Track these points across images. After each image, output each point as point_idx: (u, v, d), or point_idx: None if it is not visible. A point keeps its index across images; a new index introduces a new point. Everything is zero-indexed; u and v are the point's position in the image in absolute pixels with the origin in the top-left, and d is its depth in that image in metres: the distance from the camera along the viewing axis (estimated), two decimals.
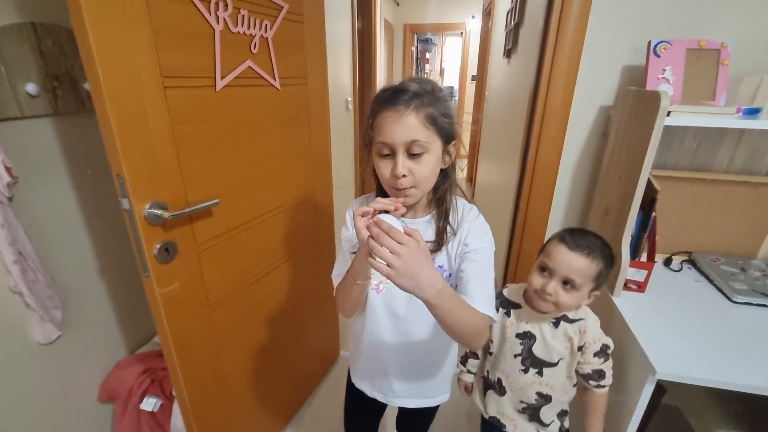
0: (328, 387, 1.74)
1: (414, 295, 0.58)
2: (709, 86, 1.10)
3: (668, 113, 0.93)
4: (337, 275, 0.83)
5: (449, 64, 8.06)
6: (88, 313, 1.20)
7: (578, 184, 1.39)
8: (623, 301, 1.07)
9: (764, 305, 1.03)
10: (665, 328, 0.96)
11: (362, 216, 0.63)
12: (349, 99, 2.39)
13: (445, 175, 0.75)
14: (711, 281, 1.15)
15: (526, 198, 1.45)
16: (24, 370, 1.04)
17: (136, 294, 1.35)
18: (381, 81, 4.20)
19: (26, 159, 0.98)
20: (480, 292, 0.71)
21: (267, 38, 1.05)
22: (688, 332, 0.94)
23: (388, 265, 0.55)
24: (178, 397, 1.02)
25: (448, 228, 0.76)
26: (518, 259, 1.56)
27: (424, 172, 0.68)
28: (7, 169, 0.91)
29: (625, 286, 1.10)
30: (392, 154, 0.68)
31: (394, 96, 0.66)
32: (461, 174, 0.81)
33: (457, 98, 6.41)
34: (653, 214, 1.07)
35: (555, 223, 1.46)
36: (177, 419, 1.14)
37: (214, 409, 1.10)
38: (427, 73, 7.53)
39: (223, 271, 1.05)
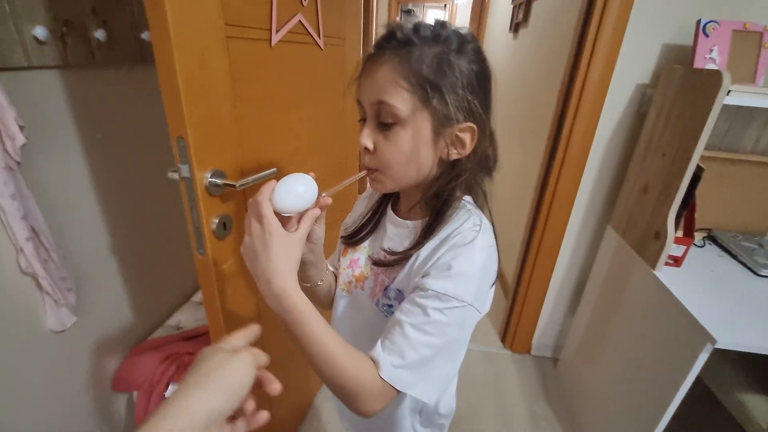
0: None
1: None
2: (750, 68, 1.12)
3: (728, 92, 0.94)
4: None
5: None
6: (101, 296, 1.07)
7: (608, 162, 1.40)
8: (664, 275, 1.10)
9: None
10: (710, 300, 1.00)
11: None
12: None
13: (450, 168, 0.52)
14: (734, 256, 1.22)
15: (554, 180, 1.45)
16: (34, 362, 0.91)
17: (148, 274, 1.22)
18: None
19: (33, 117, 0.83)
20: (388, 343, 0.48)
21: None
22: (731, 303, 0.99)
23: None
24: None
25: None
26: (541, 241, 1.57)
27: (391, 152, 0.49)
28: (20, 128, 0.77)
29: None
30: (364, 119, 0.52)
31: (379, 41, 0.49)
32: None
33: None
34: (694, 192, 1.10)
35: (581, 203, 1.48)
36: None
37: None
38: None
39: None
